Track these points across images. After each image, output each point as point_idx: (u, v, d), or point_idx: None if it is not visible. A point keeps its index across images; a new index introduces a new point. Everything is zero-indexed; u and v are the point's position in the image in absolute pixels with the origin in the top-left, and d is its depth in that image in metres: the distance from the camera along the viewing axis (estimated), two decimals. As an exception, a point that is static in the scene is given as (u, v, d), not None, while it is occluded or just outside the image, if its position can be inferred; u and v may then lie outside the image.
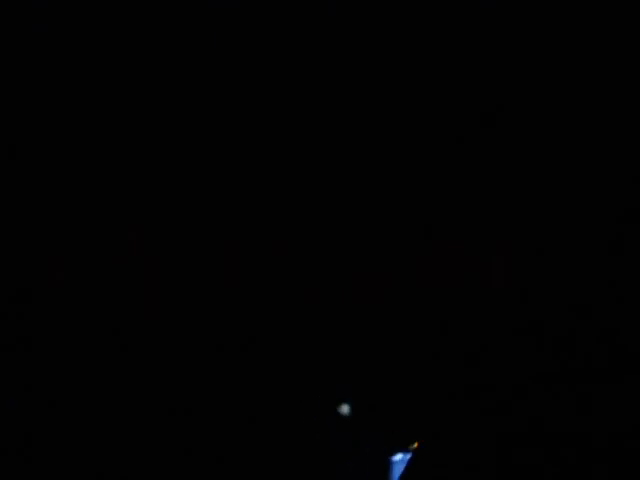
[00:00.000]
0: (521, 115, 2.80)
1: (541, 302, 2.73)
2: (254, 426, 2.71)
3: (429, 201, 2.81)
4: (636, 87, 2.75)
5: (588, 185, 2.77)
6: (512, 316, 2.74)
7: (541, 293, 2.74)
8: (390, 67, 2.81)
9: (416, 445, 2.66)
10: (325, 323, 2.79)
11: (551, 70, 2.79)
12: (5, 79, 2.77)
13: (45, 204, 2.81)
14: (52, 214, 2.81)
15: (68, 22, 2.74)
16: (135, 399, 2.74)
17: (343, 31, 2.76)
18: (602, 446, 2.62)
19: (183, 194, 2.84)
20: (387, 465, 2.70)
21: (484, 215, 2.79)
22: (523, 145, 2.80)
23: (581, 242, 2.75)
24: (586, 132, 2.78)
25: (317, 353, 2.78)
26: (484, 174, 2.80)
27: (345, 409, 2.73)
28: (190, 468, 2.67)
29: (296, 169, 2.83)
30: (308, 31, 2.77)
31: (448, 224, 2.80)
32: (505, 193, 2.80)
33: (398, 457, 2.73)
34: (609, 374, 2.65)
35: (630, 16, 2.70)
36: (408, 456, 2.68)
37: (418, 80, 2.81)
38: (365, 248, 2.81)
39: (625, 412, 2.64)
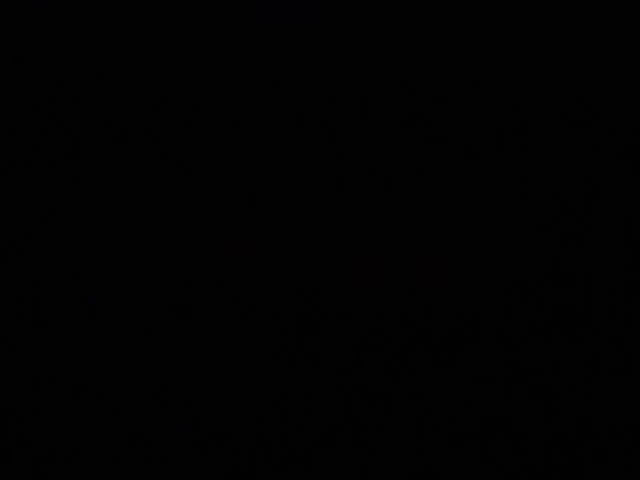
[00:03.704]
0: (509, 121, 2.83)
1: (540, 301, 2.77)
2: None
3: (423, 203, 2.83)
4: (634, 88, 2.79)
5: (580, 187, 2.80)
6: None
7: (539, 292, 2.77)
8: (385, 73, 2.83)
9: None
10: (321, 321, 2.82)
11: (535, 77, 2.81)
12: (5, 80, 2.76)
13: (44, 205, 2.80)
14: (52, 215, 2.80)
15: (68, 22, 2.73)
16: (134, 398, 2.74)
17: (343, 31, 2.77)
18: (601, 446, 2.66)
19: (181, 196, 2.84)
20: None
21: (474, 217, 2.82)
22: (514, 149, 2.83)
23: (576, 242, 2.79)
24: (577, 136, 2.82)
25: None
26: (476, 177, 2.83)
27: None
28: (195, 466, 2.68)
29: (291, 174, 2.84)
30: (308, 31, 2.78)
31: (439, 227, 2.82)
32: (496, 198, 2.82)
33: None
34: (608, 371, 2.69)
35: (629, 17, 2.74)
36: None
37: (409, 91, 2.83)
38: (360, 249, 2.83)
39: (623, 412, 2.68)
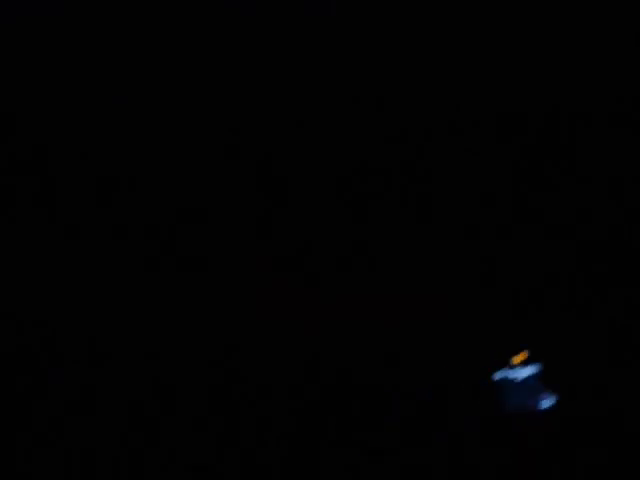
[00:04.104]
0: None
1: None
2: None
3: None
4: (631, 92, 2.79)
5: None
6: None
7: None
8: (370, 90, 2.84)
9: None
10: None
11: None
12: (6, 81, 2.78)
13: (44, 207, 2.82)
14: (51, 217, 2.82)
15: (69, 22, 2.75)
16: (131, 401, 2.75)
17: (344, 33, 2.79)
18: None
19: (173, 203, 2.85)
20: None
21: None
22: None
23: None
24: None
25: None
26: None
27: None
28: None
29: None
30: (307, 32, 2.79)
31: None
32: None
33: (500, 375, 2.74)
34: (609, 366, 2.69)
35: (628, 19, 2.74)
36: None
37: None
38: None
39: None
